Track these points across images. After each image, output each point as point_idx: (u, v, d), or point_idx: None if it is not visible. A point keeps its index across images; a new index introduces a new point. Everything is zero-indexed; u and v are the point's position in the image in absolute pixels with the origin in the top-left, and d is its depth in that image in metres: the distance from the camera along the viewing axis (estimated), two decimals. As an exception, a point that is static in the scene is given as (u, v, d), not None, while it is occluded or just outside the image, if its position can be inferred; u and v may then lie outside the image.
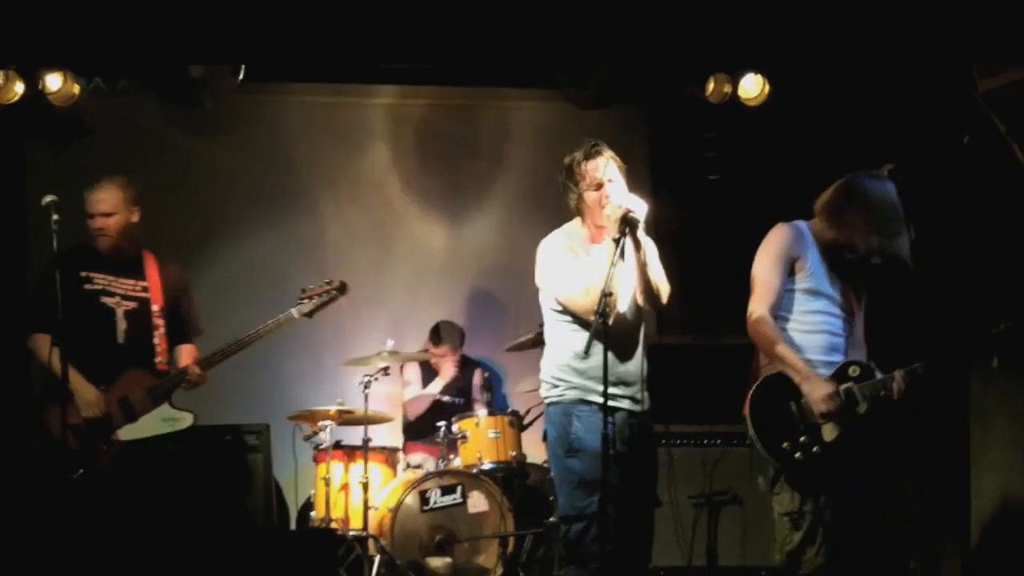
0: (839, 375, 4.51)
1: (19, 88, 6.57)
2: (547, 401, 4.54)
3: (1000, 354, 4.43)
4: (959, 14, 5.80)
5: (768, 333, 4.52)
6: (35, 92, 6.62)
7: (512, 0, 6.46)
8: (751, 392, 4.59)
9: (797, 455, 4.47)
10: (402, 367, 7.17)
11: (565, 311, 4.46)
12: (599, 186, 4.39)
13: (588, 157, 4.43)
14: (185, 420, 5.21)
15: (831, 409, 4.42)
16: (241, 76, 6.83)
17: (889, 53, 6.31)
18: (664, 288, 4.47)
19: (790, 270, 4.59)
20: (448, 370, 7.17)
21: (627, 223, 4.24)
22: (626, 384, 4.44)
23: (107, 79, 6.86)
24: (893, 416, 4.54)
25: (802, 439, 4.47)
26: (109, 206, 5.25)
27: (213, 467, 5.92)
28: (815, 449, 4.46)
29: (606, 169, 4.42)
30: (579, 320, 4.41)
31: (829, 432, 4.45)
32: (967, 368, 5.72)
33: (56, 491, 4.92)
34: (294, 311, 5.41)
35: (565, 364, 4.47)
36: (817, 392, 4.43)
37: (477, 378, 7.24)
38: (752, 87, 7.10)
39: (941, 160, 5.93)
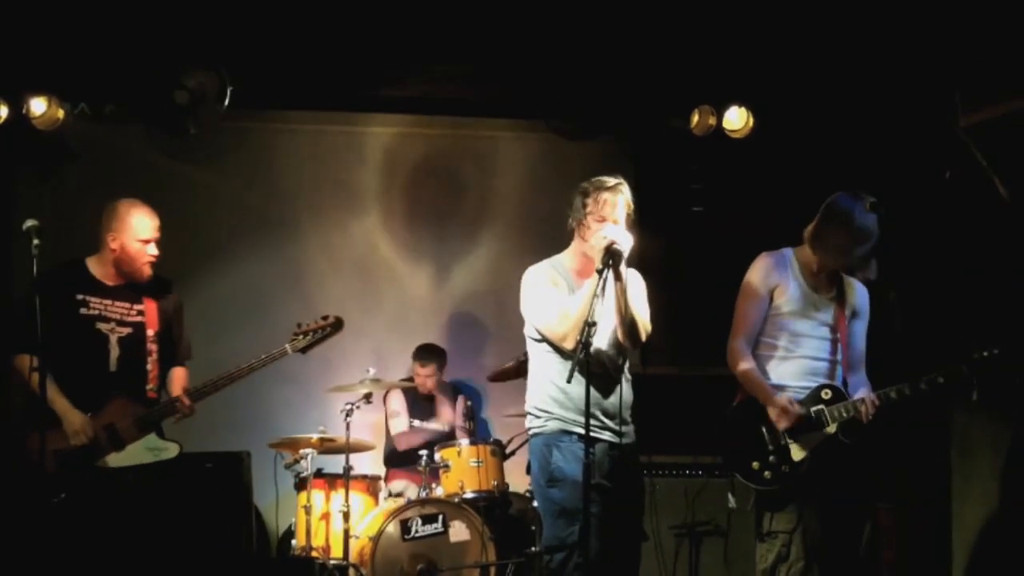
0: (812, 398, 4.64)
1: (3, 112, 6.57)
2: (530, 432, 4.55)
3: (980, 382, 4.50)
4: (943, 49, 5.87)
5: (738, 361, 4.72)
6: (20, 116, 6.60)
7: (500, 33, 6.53)
8: (725, 415, 4.77)
9: (766, 474, 4.63)
10: (386, 396, 7.13)
11: (547, 341, 4.46)
12: (602, 220, 4.39)
13: (609, 191, 4.42)
14: (171, 450, 5.13)
15: (790, 422, 4.57)
16: (227, 103, 6.81)
17: (872, 86, 6.38)
18: (645, 325, 4.46)
19: (770, 298, 4.72)
20: (446, 413, 7.16)
21: (611, 255, 4.26)
22: (607, 416, 4.45)
23: (93, 104, 6.84)
24: (865, 440, 4.61)
25: (771, 458, 4.62)
26: (159, 231, 5.21)
27: (193, 494, 5.86)
28: (783, 468, 4.61)
29: (617, 210, 4.42)
30: (561, 351, 4.41)
31: (797, 452, 4.60)
32: (949, 400, 5.76)
33: (36, 515, 4.82)
34: (288, 346, 5.28)
35: (547, 395, 4.48)
36: (775, 407, 4.58)
37: (460, 405, 7.21)
38: (736, 119, 7.14)
39: (924, 192, 5.98)
